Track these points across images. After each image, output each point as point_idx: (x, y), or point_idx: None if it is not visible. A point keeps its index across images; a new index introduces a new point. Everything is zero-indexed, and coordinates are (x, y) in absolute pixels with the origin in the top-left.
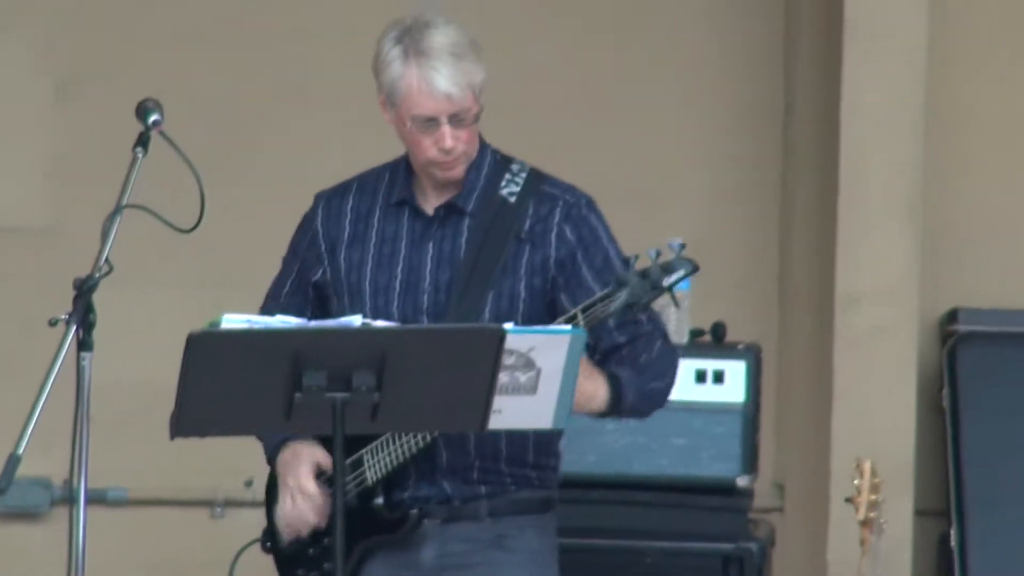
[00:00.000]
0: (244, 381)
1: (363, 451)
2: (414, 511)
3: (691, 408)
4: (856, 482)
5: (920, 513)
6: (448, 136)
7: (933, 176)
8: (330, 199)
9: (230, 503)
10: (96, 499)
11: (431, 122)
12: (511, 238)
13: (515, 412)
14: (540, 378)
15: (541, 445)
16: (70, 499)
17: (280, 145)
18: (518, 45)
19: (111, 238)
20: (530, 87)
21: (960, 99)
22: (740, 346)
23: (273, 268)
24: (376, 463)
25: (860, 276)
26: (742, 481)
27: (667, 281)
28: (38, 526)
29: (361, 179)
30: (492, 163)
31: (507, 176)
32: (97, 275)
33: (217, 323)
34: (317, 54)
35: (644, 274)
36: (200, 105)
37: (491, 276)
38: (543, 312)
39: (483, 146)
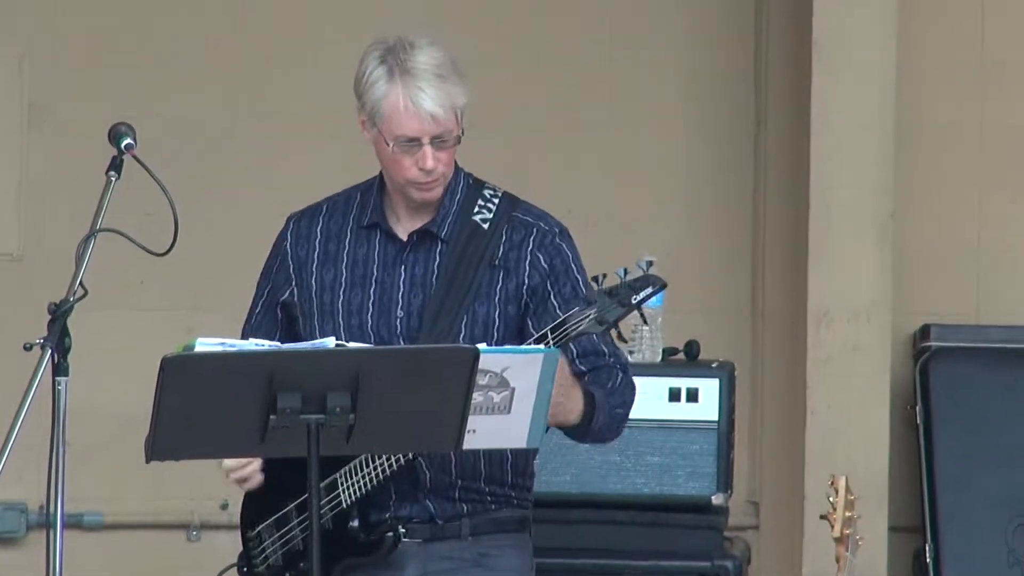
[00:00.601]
0: (218, 404)
1: (336, 474)
2: (390, 534)
3: (666, 426)
4: (831, 499)
5: (895, 529)
6: (430, 157)
7: (903, 193)
8: (299, 220)
9: (206, 526)
10: (72, 523)
11: (413, 142)
12: (484, 264)
13: (489, 432)
14: (514, 397)
15: (518, 464)
16: (46, 524)
17: (254, 168)
18: (491, 64)
19: (85, 262)
20: (503, 106)
21: (930, 117)
22: (714, 364)
23: (247, 291)
24: (351, 486)
25: (832, 293)
26: (717, 499)
27: (635, 299)
28: (14, 551)
29: (331, 201)
30: (465, 187)
31: (480, 201)
32: (72, 299)
33: (191, 346)
34: (290, 77)
35: (612, 292)
36: (172, 129)
37: (464, 301)
38: (515, 339)
39: (456, 170)
